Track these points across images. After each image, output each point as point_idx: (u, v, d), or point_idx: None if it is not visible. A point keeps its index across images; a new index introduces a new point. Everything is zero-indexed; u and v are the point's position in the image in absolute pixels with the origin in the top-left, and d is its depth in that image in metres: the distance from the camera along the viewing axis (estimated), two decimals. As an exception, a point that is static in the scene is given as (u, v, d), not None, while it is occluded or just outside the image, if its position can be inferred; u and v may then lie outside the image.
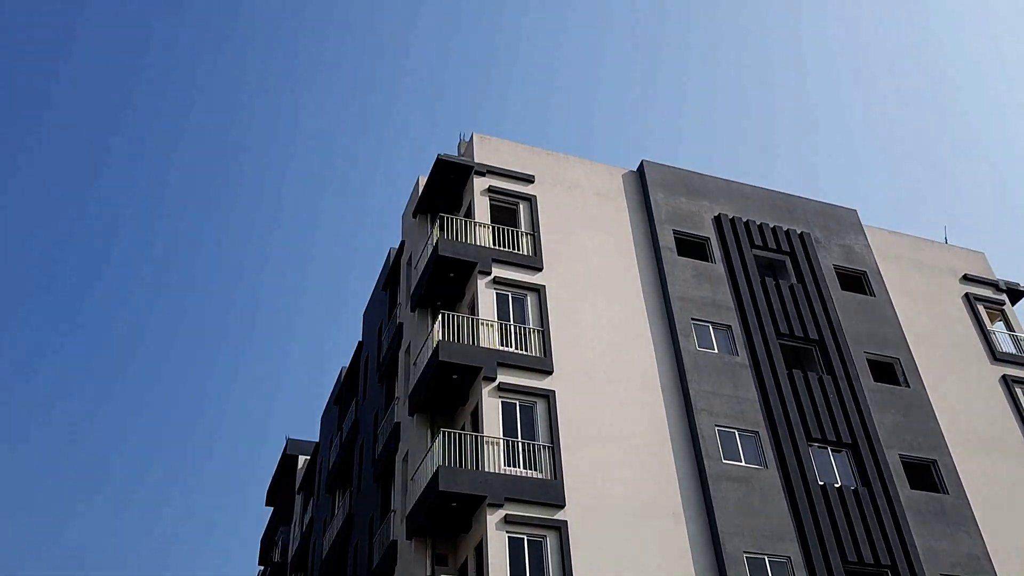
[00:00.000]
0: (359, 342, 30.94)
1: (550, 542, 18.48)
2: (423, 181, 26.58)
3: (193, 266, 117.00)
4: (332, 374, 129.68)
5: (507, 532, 18.26)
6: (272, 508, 43.35)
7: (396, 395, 24.21)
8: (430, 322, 23.50)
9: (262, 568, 44.45)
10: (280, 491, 42.33)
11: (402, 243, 27.21)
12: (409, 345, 24.05)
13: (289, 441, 40.57)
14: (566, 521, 18.77)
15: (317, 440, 37.19)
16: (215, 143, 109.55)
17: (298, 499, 38.19)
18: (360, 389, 29.55)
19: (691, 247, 25.67)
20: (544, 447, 19.78)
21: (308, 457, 39.61)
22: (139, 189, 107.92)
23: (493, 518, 18.30)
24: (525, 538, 18.40)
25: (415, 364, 22.83)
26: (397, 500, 22.07)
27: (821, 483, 21.44)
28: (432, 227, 25.46)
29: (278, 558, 38.61)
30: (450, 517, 19.10)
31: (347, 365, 33.35)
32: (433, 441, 21.41)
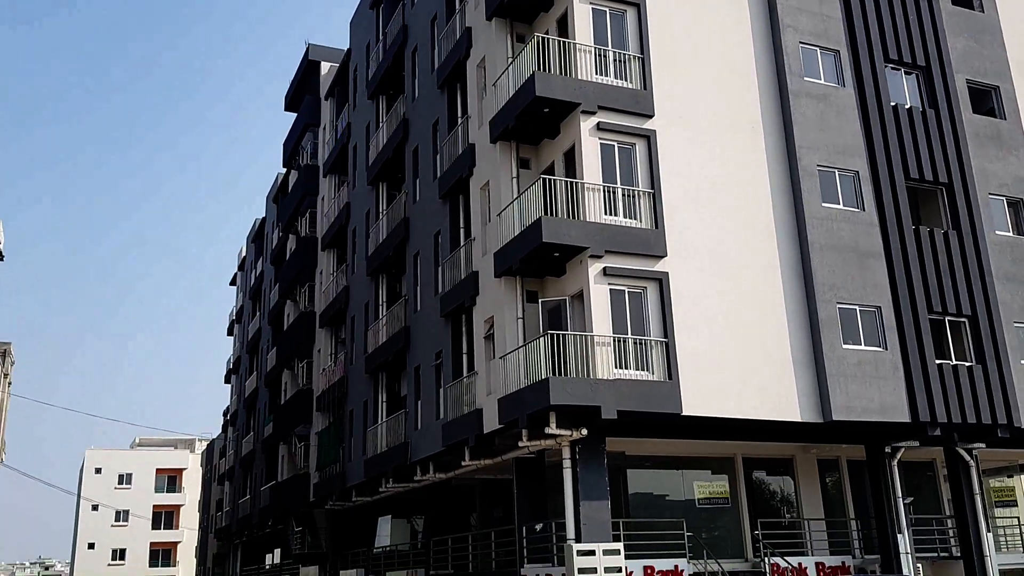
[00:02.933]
0: (402, -61, 28.91)
1: (639, 149, 19.03)
2: None
3: None
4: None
5: (599, 139, 18.70)
6: (295, 114, 43.40)
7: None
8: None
9: (286, 171, 45.64)
10: (303, 97, 42.07)
11: None
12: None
13: (311, 46, 39.56)
14: (655, 131, 19.19)
15: (347, 47, 36.22)
16: None
17: (326, 104, 38.15)
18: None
19: None
20: (635, 58, 19.56)
21: (335, 64, 38.92)
22: None
23: (587, 124, 18.62)
24: (616, 145, 18.92)
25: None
26: (472, 106, 22.16)
27: (893, 103, 21.85)
28: None
29: (308, 161, 39.50)
30: (539, 122, 19.37)
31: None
32: (514, 47, 21.04)
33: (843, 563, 20.67)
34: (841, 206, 20.50)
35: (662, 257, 18.34)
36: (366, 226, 30.71)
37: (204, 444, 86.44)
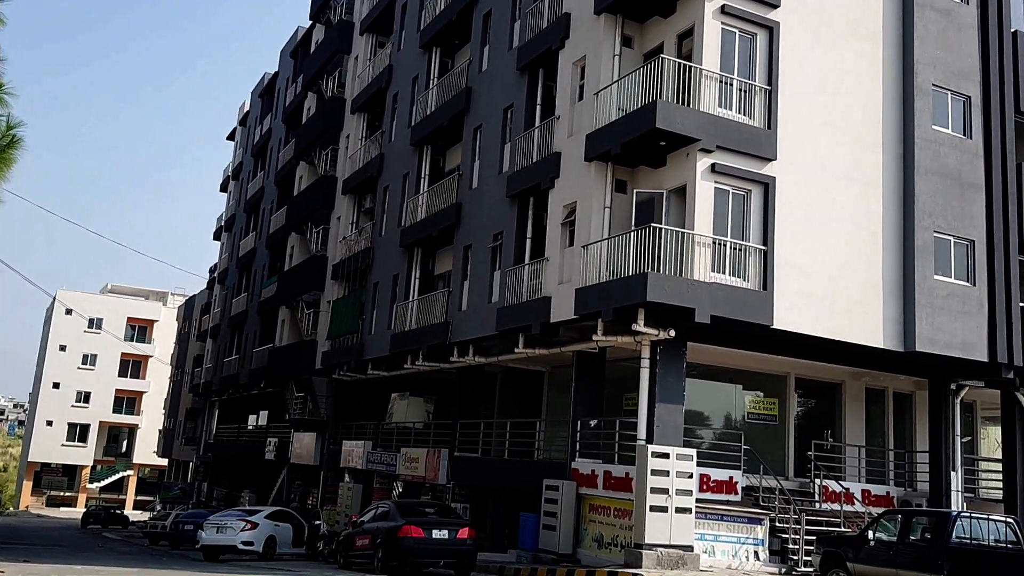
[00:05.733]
0: None
1: (760, 40, 17.68)
2: None
3: None
4: None
5: (722, 23, 17.31)
6: (329, -37, 40.69)
7: None
8: None
9: (310, 24, 43.10)
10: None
11: None
12: None
13: None
14: (778, 22, 17.80)
15: None
16: None
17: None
18: None
19: None
20: (765, -62, 17.98)
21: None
22: None
23: (711, 4, 17.19)
24: (737, 33, 17.53)
25: None
26: (571, -28, 20.41)
27: (1013, 30, 20.62)
28: None
29: (343, 16, 37.15)
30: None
31: None
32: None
33: (887, 493, 20.53)
34: (950, 131, 19.47)
35: (770, 160, 17.27)
36: (412, 92, 28.99)
37: (177, 298, 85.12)
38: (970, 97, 19.80)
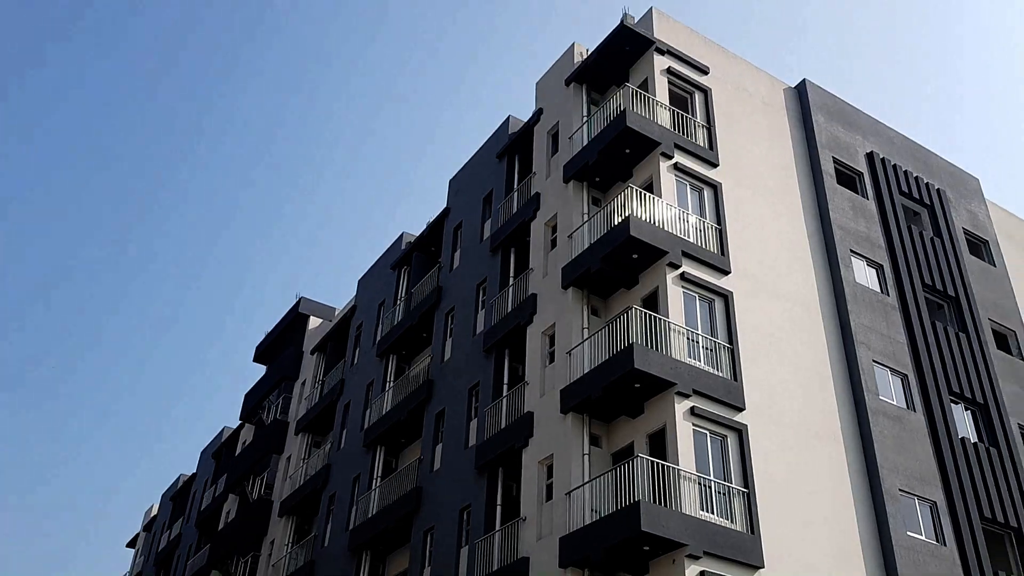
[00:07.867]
0: (445, 208, 28.97)
1: (731, 441, 17.58)
2: (579, 49, 24.64)
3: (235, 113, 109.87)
4: (334, 242, 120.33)
5: (693, 425, 17.24)
6: (265, 366, 41.18)
7: (530, 266, 22.52)
8: (586, 196, 21.92)
9: (241, 423, 42.33)
10: (280, 350, 40.19)
11: (539, 111, 25.23)
12: (556, 216, 22.29)
13: (302, 299, 38.46)
14: (746, 425, 17.88)
15: (350, 302, 35.07)
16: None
17: (311, 358, 36.19)
18: (448, 256, 27.69)
19: (845, 178, 24.78)
20: (724, 347, 18.73)
21: (324, 320, 37.63)
22: None
23: (681, 407, 17.23)
24: (708, 434, 17.44)
25: (570, 238, 21.18)
26: (533, 372, 20.64)
27: (961, 436, 21.22)
28: (595, 98, 23.70)
29: (277, 415, 36.64)
30: (622, 399, 17.89)
31: (413, 232, 31.48)
32: (589, 320, 20.05)
33: None
34: (923, 537, 18.99)
35: (758, 568, 16.21)
36: (352, 494, 27.59)
37: None
38: (936, 502, 19.67)
